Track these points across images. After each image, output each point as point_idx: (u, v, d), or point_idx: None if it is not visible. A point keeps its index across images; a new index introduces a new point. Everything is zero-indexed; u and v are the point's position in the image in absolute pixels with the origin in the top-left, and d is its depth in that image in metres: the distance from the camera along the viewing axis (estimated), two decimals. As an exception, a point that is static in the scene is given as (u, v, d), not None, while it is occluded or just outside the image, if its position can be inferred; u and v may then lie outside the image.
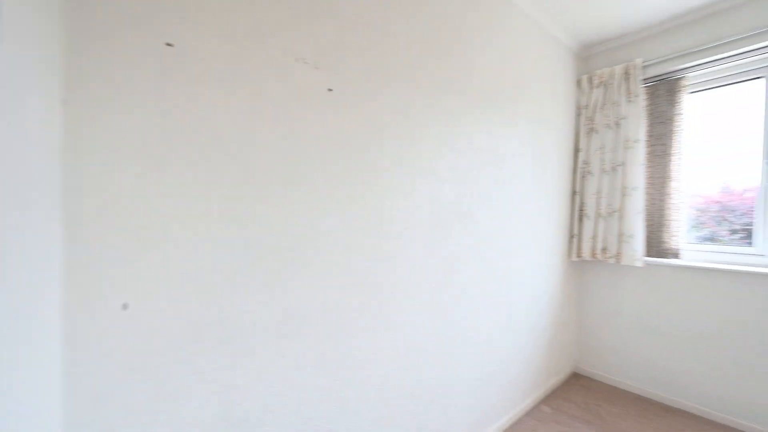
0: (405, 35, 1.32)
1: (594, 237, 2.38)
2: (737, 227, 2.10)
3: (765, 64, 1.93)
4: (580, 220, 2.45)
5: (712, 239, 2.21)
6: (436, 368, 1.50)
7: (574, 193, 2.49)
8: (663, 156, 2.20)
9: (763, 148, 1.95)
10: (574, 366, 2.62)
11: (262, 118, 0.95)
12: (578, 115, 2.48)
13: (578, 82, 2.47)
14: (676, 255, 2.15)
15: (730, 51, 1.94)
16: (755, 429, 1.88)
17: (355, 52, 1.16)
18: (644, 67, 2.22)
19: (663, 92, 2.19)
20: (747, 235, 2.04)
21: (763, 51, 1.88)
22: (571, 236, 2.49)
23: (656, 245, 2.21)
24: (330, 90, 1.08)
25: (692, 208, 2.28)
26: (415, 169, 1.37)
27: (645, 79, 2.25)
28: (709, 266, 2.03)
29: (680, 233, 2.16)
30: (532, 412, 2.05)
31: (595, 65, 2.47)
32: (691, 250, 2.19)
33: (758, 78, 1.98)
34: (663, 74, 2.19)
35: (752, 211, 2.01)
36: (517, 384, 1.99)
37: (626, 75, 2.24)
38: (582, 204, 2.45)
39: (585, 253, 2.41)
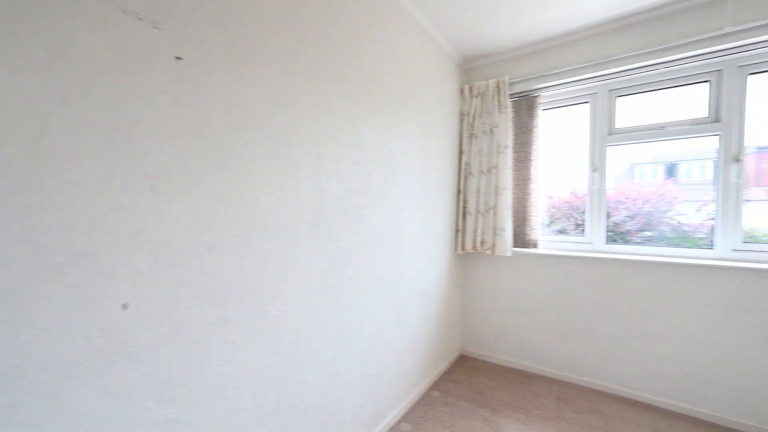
0: (283, 13, 1.20)
1: (475, 231, 2.65)
2: (580, 222, 2.60)
3: (590, 92, 2.43)
4: (464, 216, 2.70)
5: (563, 232, 2.69)
6: (323, 373, 1.42)
7: (459, 191, 2.73)
8: (525, 161, 2.57)
9: (589, 159, 2.45)
10: (460, 349, 2.88)
11: (70, 82, 0.72)
12: (461, 120, 2.73)
13: (461, 91, 2.72)
14: (535, 245, 2.54)
15: (568, 78, 2.37)
16: (590, 382, 2.34)
17: (216, 19, 0.99)
18: (511, 83, 2.56)
19: (525, 107, 2.57)
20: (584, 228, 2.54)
21: (589, 81, 2.35)
22: (457, 231, 2.72)
23: (521, 237, 2.58)
24: (179, 58, 0.90)
25: (551, 207, 2.74)
26: (296, 162, 1.27)
27: (512, 94, 2.60)
28: (557, 253, 2.46)
29: (538, 227, 2.56)
30: (423, 399, 2.15)
31: (475, 77, 2.75)
32: (546, 240, 2.62)
33: (586, 103, 2.47)
34: (524, 91, 2.56)
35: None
36: (409, 374, 2.06)
37: (498, 88, 2.55)
38: (465, 201, 2.70)
39: (468, 246, 2.67)
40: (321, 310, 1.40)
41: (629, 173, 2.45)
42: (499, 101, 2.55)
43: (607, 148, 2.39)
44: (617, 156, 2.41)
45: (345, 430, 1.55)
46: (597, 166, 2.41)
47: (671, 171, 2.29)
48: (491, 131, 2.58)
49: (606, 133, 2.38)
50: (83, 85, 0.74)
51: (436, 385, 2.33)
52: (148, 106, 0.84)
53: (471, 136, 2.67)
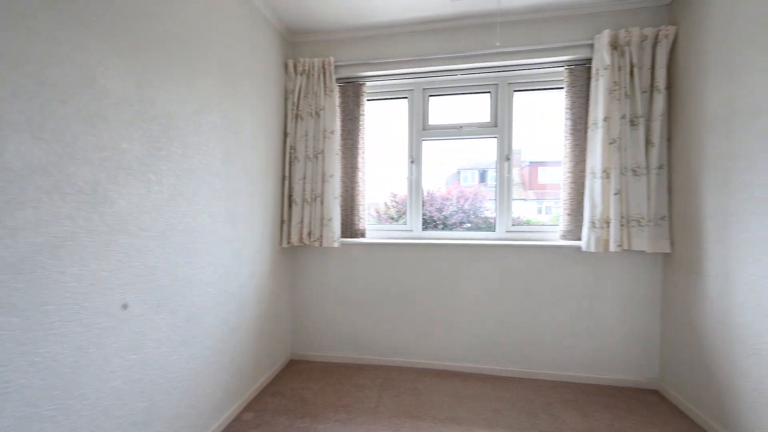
0: None
1: (302, 222, 2.42)
2: (423, 215, 2.71)
3: (408, 88, 2.56)
4: (290, 205, 2.43)
5: (396, 220, 2.76)
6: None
7: (284, 178, 2.43)
8: (353, 149, 2.51)
9: (408, 152, 2.59)
10: (290, 353, 2.61)
11: None
12: (286, 99, 2.45)
13: (285, 66, 2.43)
14: (363, 234, 2.52)
15: (389, 71, 2.43)
16: (410, 362, 2.47)
17: None
18: (337, 66, 2.44)
19: (351, 93, 2.50)
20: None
21: (407, 77, 2.48)
22: (282, 222, 2.43)
23: (349, 227, 2.51)
24: None
25: (398, 203, 2.75)
26: None
27: (339, 79, 2.49)
28: (382, 241, 2.50)
29: (365, 216, 2.54)
30: (230, 427, 1.76)
31: (300, 53, 2.51)
32: (372, 229, 2.64)
33: (405, 98, 2.61)
34: (351, 77, 2.49)
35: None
36: (207, 403, 1.63)
37: (323, 69, 2.38)
38: (291, 189, 2.43)
39: (294, 238, 2.42)
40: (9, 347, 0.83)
41: (457, 176, 2.73)
42: (325, 83, 2.39)
43: (423, 142, 2.58)
44: (439, 154, 2.63)
45: None
46: (414, 158, 2.57)
47: (483, 176, 2.66)
48: (317, 114, 2.40)
49: (421, 128, 2.56)
50: None
51: (251, 405, 1.97)
52: None
53: (297, 116, 2.42)
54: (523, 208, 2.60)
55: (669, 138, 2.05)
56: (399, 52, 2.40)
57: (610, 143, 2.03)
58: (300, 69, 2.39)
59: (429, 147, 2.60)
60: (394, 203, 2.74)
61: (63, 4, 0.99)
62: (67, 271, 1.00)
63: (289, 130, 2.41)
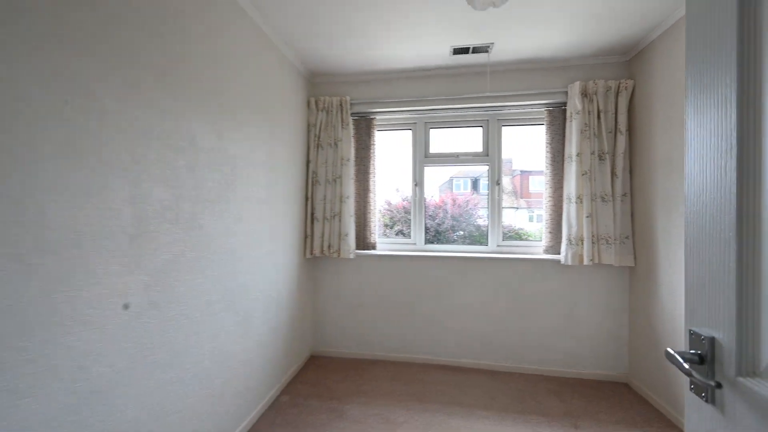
0: (85, -12, 1.02)
1: (322, 236, 2.82)
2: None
3: (412, 122, 3.00)
4: (312, 222, 2.84)
5: (402, 232, 3.15)
6: (146, 405, 1.24)
7: (307, 198, 2.84)
8: (365, 174, 2.93)
9: (412, 176, 3.02)
10: (311, 349, 2.98)
11: None
12: (309, 131, 2.87)
13: (308, 102, 2.86)
14: (374, 247, 2.92)
15: (394, 108, 2.86)
16: (415, 358, 2.86)
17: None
18: (352, 103, 2.88)
19: (364, 126, 2.94)
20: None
21: (410, 113, 2.91)
22: (305, 236, 2.83)
23: (362, 240, 2.92)
24: None
25: (392, 211, 3.18)
26: (105, 164, 1.08)
27: (353, 113, 2.92)
28: (391, 253, 2.91)
29: (376, 231, 2.95)
30: (273, 406, 2.14)
31: (321, 91, 2.94)
32: (382, 243, 3.05)
33: (409, 129, 3.04)
34: (363, 112, 2.93)
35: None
36: (256, 385, 2.01)
37: (341, 106, 2.82)
38: (313, 208, 2.84)
39: (316, 250, 2.81)
40: (144, 332, 1.22)
41: (449, 184, 3.13)
42: (342, 118, 2.82)
43: (425, 168, 3.00)
44: (438, 172, 3.06)
45: (175, 463, 1.39)
46: (418, 181, 2.99)
47: (475, 184, 3.06)
48: (335, 144, 2.82)
49: (423, 156, 2.99)
50: None
51: (286, 390, 2.35)
52: None
53: (317, 146, 2.84)
54: (514, 217, 2.93)
55: (631, 171, 2.48)
56: (405, 93, 2.84)
57: (583, 174, 2.46)
58: (321, 106, 2.82)
59: (429, 170, 3.03)
60: (388, 211, 3.15)
61: (168, 86, 1.39)
62: (183, 276, 1.40)
63: (311, 158, 2.83)
